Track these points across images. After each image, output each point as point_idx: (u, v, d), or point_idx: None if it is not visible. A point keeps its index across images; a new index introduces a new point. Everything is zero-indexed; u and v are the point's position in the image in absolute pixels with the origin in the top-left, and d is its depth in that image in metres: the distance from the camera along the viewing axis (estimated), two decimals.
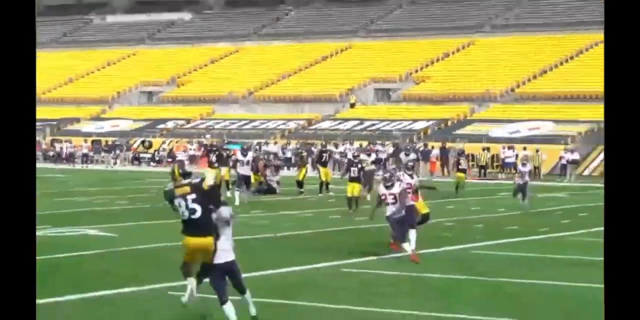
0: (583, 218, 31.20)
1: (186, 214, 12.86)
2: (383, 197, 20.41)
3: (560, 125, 65.86)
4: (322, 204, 35.85)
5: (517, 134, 65.16)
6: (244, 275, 17.76)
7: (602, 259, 19.32)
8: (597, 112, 66.82)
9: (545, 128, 65.92)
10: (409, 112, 73.54)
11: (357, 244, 23.29)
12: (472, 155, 59.71)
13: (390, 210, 20.28)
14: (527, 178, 33.39)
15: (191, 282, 12.93)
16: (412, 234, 20.11)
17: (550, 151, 58.76)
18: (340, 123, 73.42)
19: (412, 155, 53.49)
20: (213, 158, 37.20)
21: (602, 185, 41.55)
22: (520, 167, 35.74)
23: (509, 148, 58.99)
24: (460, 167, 43.60)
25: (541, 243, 24.28)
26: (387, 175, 20.95)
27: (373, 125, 71.44)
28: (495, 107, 72.22)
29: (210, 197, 12.96)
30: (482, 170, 58.40)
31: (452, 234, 24.31)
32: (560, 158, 58.06)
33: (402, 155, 49.35)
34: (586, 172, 59.55)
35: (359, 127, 71.51)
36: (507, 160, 57.93)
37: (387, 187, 20.34)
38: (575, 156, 57.53)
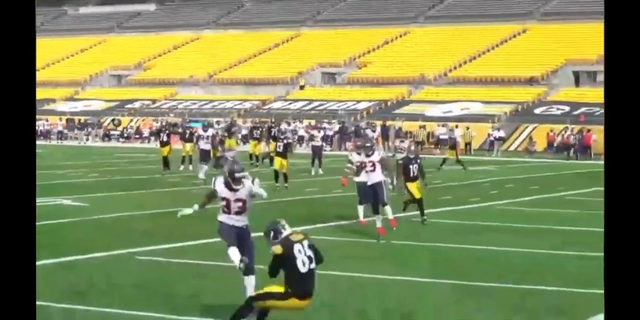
0: (509, 189, 31.22)
1: (306, 262, 10.05)
2: (362, 165, 19.32)
3: (487, 106, 66.01)
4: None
5: (449, 114, 65.25)
6: (194, 242, 17.59)
7: (527, 225, 19.14)
8: (520, 94, 67.33)
9: (475, 108, 66.07)
10: (353, 93, 73.36)
11: (307, 212, 23.11)
12: (410, 133, 59.92)
13: (364, 177, 19.31)
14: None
15: None
16: (388, 210, 18.99)
17: (480, 129, 58.86)
18: (290, 103, 73.41)
19: (378, 130, 52.52)
20: (164, 137, 36.51)
21: (525, 159, 41.57)
22: (398, 143, 36.01)
23: (443, 126, 59.15)
24: (450, 144, 44.72)
25: (472, 212, 24.20)
26: (368, 144, 19.86)
27: (320, 105, 71.36)
28: (430, 90, 72.23)
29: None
30: (419, 146, 58.32)
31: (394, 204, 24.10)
32: (488, 135, 58.27)
33: (368, 131, 48.49)
34: (511, 148, 59.91)
35: (307, 107, 71.45)
36: (441, 137, 58.07)
37: (367, 155, 19.18)
38: (501, 133, 57.83)
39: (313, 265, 10.08)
